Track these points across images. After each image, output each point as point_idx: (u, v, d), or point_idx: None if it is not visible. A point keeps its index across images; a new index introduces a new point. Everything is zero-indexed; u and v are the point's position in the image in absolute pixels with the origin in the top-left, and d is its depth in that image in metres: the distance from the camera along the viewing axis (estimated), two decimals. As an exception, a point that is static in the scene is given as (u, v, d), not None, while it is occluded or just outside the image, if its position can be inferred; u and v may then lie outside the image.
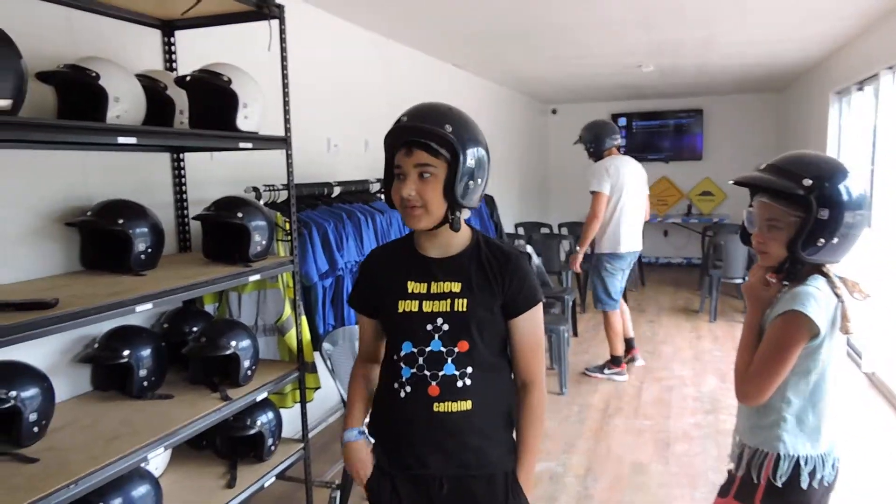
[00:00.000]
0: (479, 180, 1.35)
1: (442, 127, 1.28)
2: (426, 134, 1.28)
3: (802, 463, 1.44)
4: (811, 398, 1.45)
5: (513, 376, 1.46)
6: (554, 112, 9.24)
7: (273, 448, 2.36)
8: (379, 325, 1.45)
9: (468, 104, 6.05)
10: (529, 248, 5.24)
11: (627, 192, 4.31)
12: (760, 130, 8.37)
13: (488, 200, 5.10)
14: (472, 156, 1.31)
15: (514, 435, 1.45)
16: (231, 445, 2.32)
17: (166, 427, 1.83)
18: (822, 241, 1.39)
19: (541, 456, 3.31)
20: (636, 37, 4.74)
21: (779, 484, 1.45)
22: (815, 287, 1.42)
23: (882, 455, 3.24)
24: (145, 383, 2.06)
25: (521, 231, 6.99)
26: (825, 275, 1.46)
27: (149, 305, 1.75)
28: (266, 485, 2.25)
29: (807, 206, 1.38)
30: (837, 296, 1.43)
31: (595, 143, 4.39)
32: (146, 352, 2.06)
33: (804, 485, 1.44)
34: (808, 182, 1.37)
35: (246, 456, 2.33)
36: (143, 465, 1.78)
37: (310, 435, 2.88)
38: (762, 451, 1.48)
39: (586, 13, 4.01)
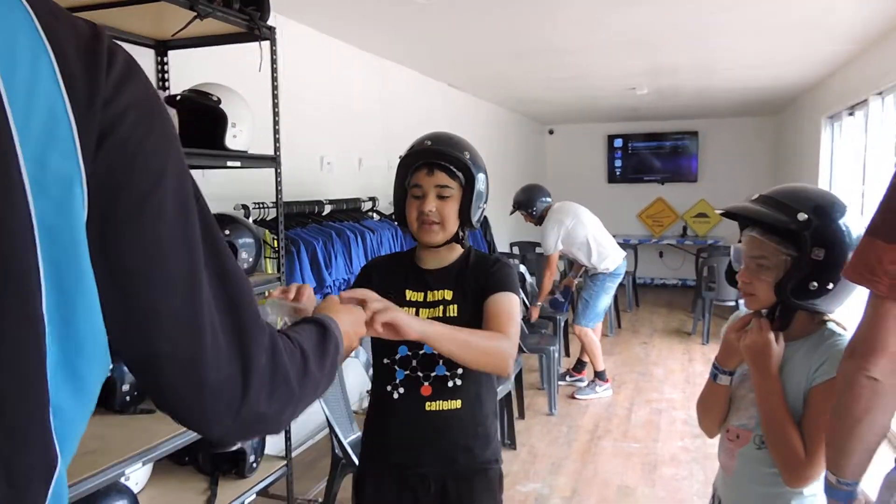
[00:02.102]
0: (483, 203, 1.50)
1: (461, 153, 1.44)
2: (448, 158, 1.43)
3: None
4: None
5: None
6: (551, 132, 9.32)
7: (255, 465, 2.36)
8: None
9: (465, 124, 6.16)
10: (522, 268, 5.26)
11: (585, 219, 4.57)
12: (755, 153, 8.43)
13: (482, 221, 5.13)
14: (482, 180, 1.47)
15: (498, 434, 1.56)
16: (213, 461, 2.32)
17: (146, 442, 1.83)
18: (815, 284, 1.22)
19: (528, 477, 3.31)
20: (636, 59, 4.80)
21: None
22: (846, 337, 1.25)
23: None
24: (128, 398, 2.06)
25: (515, 250, 7.02)
26: (828, 319, 1.32)
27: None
28: (247, 502, 2.24)
29: (800, 244, 1.22)
30: None
31: (530, 205, 4.65)
32: (129, 367, 2.06)
33: None
34: (803, 216, 1.22)
35: (228, 472, 2.33)
36: (121, 479, 1.79)
37: (294, 452, 2.88)
38: None
39: (588, 36, 4.08)
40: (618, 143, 9.06)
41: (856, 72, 4.74)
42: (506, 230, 7.14)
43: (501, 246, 6.33)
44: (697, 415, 1.51)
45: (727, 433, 1.43)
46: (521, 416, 4.06)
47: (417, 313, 1.45)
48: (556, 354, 4.34)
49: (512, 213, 4.88)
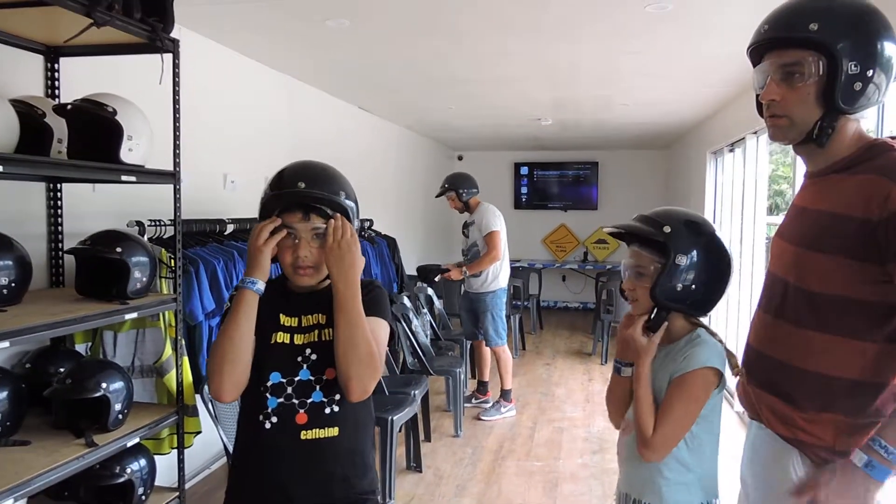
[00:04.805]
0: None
1: (338, 194, 1.38)
2: (326, 202, 1.36)
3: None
4: (714, 447, 1.51)
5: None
6: (460, 158, 9.50)
7: (144, 497, 2.22)
8: None
9: (374, 146, 6.18)
10: (430, 291, 5.30)
11: (505, 234, 4.70)
12: (650, 183, 8.96)
13: (390, 242, 5.13)
14: (354, 213, 1.42)
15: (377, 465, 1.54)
16: (97, 495, 2.16)
17: (17, 477, 1.69)
18: (680, 286, 1.46)
19: (433, 500, 3.30)
20: (540, 92, 5.02)
21: None
22: (707, 340, 1.48)
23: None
24: (0, 428, 1.90)
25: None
26: (701, 325, 1.53)
27: (5, 344, 1.63)
28: (134, 538, 2.11)
29: (666, 252, 1.46)
30: (720, 342, 1.51)
31: (461, 187, 4.72)
32: (2, 394, 1.89)
33: None
34: (667, 229, 1.46)
35: (113, 506, 2.18)
36: (-12, 519, 1.64)
37: (189, 483, 2.74)
38: None
39: (495, 69, 4.22)
40: (524, 170, 9.39)
41: (735, 112, 5.17)
42: (414, 254, 7.18)
43: (410, 269, 6.34)
44: (608, 408, 1.66)
45: (624, 427, 1.60)
46: (427, 438, 4.06)
47: (292, 339, 1.40)
48: (462, 376, 4.38)
49: (439, 195, 4.84)
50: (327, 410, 1.37)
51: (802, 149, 1.37)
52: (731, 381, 1.59)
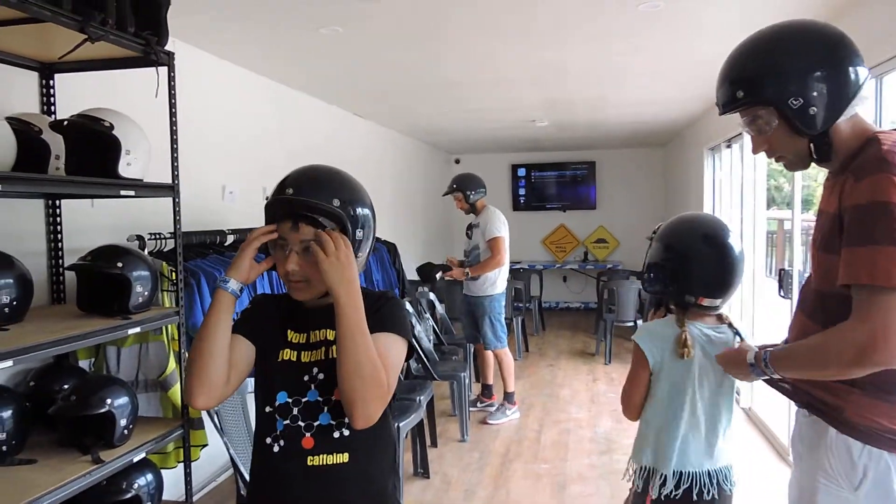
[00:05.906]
0: (366, 242, 1.35)
1: (330, 202, 1.26)
2: (315, 210, 1.25)
3: (661, 475, 1.68)
4: (668, 426, 1.69)
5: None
6: (457, 162, 9.50)
7: (152, 513, 2.21)
8: (244, 346, 1.32)
9: (371, 153, 6.17)
10: (432, 295, 5.29)
11: (508, 240, 4.70)
12: (647, 181, 8.97)
13: (390, 248, 5.13)
14: (359, 223, 1.31)
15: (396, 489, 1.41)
16: (104, 513, 2.15)
17: (25, 495, 1.68)
18: (645, 275, 1.78)
19: (441, 505, 3.29)
20: (529, 94, 5.02)
21: (641, 491, 1.73)
22: (648, 324, 1.79)
23: (757, 484, 3.45)
24: (4, 448, 1.88)
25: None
26: (676, 314, 1.74)
27: (8, 363, 1.63)
28: (142, 554, 2.10)
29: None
30: (682, 329, 1.66)
31: (468, 188, 4.70)
32: (6, 413, 1.89)
33: (653, 494, 1.67)
34: (651, 234, 1.84)
35: (121, 523, 2.17)
36: (-4, 539, 1.63)
37: (196, 496, 2.73)
38: (642, 467, 1.74)
39: (484, 72, 4.23)
40: (521, 172, 9.39)
41: (731, 108, 5.17)
42: (415, 259, 7.17)
43: (410, 274, 6.34)
44: None
45: None
46: (434, 444, 4.05)
47: (299, 356, 1.31)
48: (467, 381, 4.37)
49: (446, 194, 4.84)
50: (336, 434, 1.27)
51: (820, 164, 1.40)
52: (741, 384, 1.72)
